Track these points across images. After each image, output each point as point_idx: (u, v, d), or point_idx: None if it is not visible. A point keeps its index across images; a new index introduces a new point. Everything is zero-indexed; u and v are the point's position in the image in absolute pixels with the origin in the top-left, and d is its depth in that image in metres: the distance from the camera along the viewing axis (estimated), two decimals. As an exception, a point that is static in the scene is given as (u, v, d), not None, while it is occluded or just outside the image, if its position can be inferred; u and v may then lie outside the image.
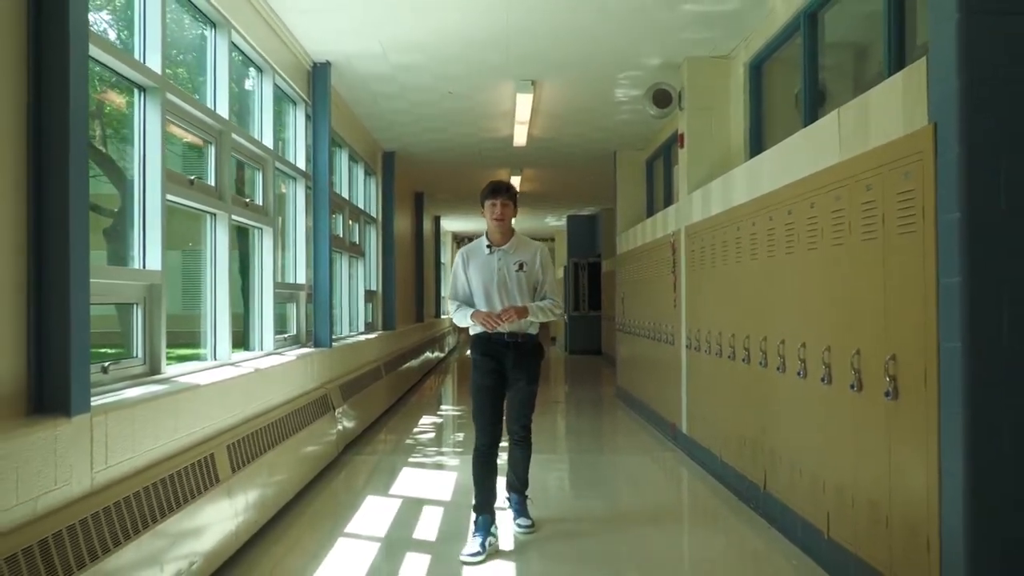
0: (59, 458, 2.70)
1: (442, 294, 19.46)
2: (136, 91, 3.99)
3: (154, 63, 4.03)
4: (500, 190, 4.54)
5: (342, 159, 8.86)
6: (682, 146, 7.10)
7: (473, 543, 4.26)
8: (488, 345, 4.55)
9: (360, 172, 10.04)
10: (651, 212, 10.27)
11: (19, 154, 2.75)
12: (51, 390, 2.80)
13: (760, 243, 4.97)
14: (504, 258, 4.56)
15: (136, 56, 3.96)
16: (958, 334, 2.85)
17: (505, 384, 4.55)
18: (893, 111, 3.33)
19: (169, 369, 4.13)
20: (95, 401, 3.07)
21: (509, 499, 4.77)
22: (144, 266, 3.96)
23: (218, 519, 3.90)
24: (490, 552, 4.25)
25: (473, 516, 4.46)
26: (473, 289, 4.59)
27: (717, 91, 6.90)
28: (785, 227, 4.54)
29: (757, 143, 6.43)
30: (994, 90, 2.84)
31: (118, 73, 3.78)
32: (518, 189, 15.89)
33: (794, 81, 5.61)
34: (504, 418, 4.60)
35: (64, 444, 2.73)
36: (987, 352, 2.81)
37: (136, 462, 3.24)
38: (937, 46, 2.97)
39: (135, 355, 3.90)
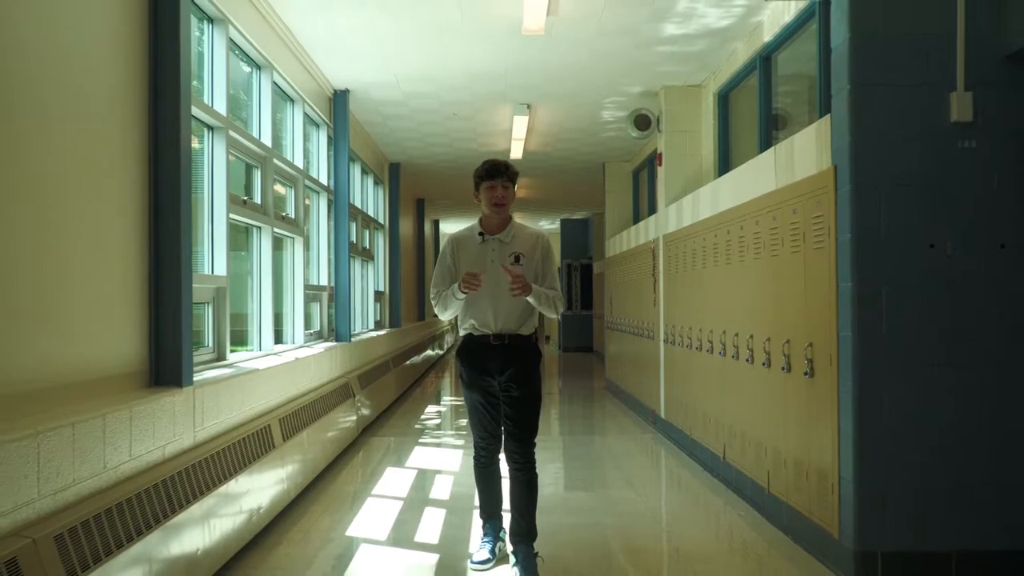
0: (176, 418, 3.62)
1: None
2: (206, 130, 4.90)
3: (220, 107, 4.94)
4: (499, 171, 3.94)
5: (355, 172, 9.77)
6: (660, 164, 8.03)
7: (482, 550, 4.09)
8: (473, 349, 3.99)
9: (370, 183, 10.96)
10: (637, 218, 11.20)
11: (143, 191, 3.66)
12: (167, 368, 3.71)
13: (720, 252, 5.91)
14: (499, 248, 3.96)
15: (206, 100, 4.87)
16: (849, 326, 3.79)
17: (497, 388, 4.00)
18: (810, 153, 4.27)
19: (230, 356, 5.04)
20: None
21: (514, 554, 3.98)
22: (213, 272, 4.87)
23: (275, 479, 4.81)
24: (500, 557, 4.11)
25: (480, 522, 4.29)
26: None
27: (690, 116, 7.84)
28: (738, 239, 5.47)
29: (725, 162, 7.36)
30: (876, 142, 3.77)
31: (194, 117, 4.69)
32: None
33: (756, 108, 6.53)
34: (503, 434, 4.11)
35: (179, 408, 3.65)
36: (869, 339, 3.75)
37: (220, 427, 4.16)
38: (836, 107, 3.91)
39: (206, 344, 4.81)
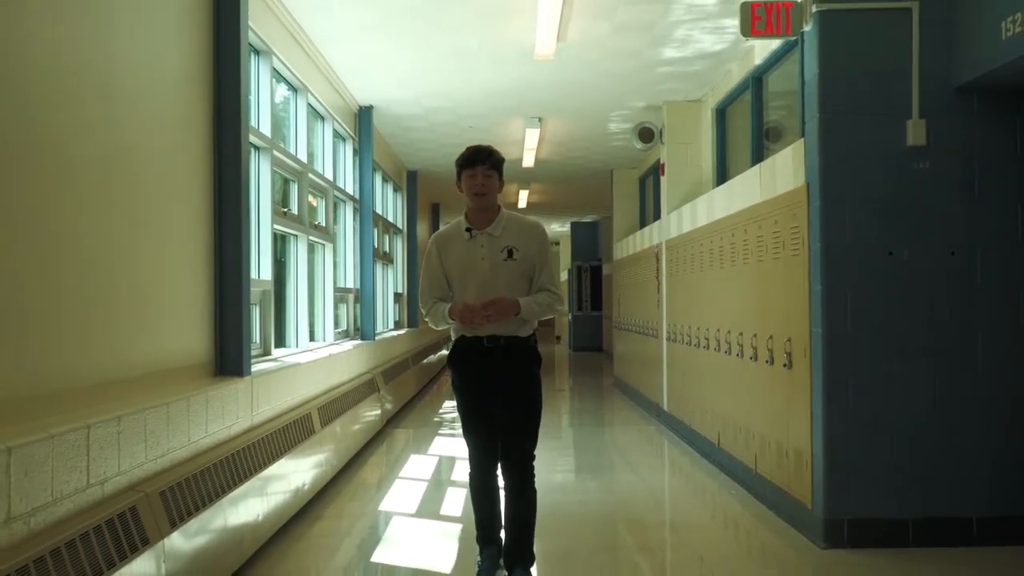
0: (239, 402, 4.22)
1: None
2: (253, 150, 5.51)
3: (265, 129, 5.55)
4: (480, 157, 3.60)
5: (376, 180, 10.38)
6: (663, 174, 8.60)
7: None
8: (465, 353, 3.68)
9: (389, 190, 11.58)
10: (643, 223, 11.75)
11: (209, 208, 4.27)
12: (230, 360, 4.31)
13: (715, 257, 6.47)
14: (489, 243, 3.61)
15: (253, 124, 5.48)
16: (820, 322, 4.36)
17: (493, 397, 3.68)
18: (788, 171, 4.83)
19: (274, 351, 5.65)
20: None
21: None
22: (259, 277, 5.48)
23: (315, 461, 5.40)
24: None
25: (477, 548, 3.88)
26: (454, 286, 3.68)
27: (691, 129, 8.40)
28: (730, 246, 6.04)
29: (723, 172, 7.91)
30: (842, 163, 4.33)
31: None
32: (526, 202, 17.16)
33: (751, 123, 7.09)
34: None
35: (240, 394, 4.25)
36: (836, 336, 4.31)
37: (272, 411, 4.77)
38: (808, 133, 4.48)
39: (255, 341, 5.42)
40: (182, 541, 3.23)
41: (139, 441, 3.09)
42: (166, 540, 3.05)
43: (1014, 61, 3.80)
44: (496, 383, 3.65)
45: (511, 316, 3.54)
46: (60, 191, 2.88)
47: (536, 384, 3.72)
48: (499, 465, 3.74)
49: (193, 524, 3.33)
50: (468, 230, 3.63)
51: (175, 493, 3.23)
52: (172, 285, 3.82)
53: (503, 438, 3.70)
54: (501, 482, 3.80)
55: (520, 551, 3.67)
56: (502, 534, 3.84)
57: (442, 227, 3.67)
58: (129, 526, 2.83)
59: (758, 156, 6.67)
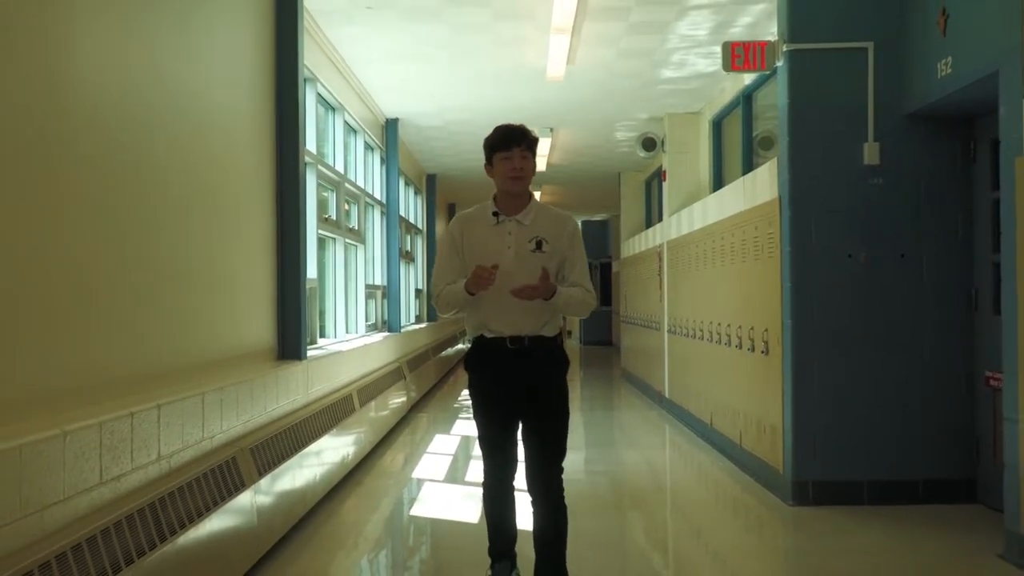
0: (298, 381, 5.03)
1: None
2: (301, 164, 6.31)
3: (311, 147, 6.35)
4: (516, 137, 3.27)
5: (400, 185, 11.18)
6: (664, 180, 9.36)
7: None
8: (485, 354, 3.38)
9: (411, 193, 12.38)
10: (649, 223, 12.52)
11: (273, 218, 5.07)
12: (290, 346, 5.12)
13: (708, 257, 7.24)
14: (518, 231, 3.31)
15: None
16: (790, 315, 5.12)
17: (515, 406, 3.34)
18: (766, 184, 5.59)
19: (320, 341, 6.47)
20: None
21: None
22: (307, 275, 6.28)
23: (355, 437, 6.21)
24: None
25: (489, 562, 3.52)
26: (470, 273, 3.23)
27: (690, 139, 9.16)
28: (720, 248, 6.81)
29: (719, 179, 8.66)
30: (808, 179, 5.09)
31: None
32: (537, 199, 17.68)
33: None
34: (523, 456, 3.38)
35: (299, 374, 5.06)
36: (803, 326, 5.08)
37: (322, 391, 5.57)
38: (780, 152, 5.24)
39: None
40: (266, 489, 4.03)
41: (233, 407, 3.90)
42: (255, 486, 3.86)
43: (947, 96, 4.55)
44: (519, 390, 3.31)
45: (547, 297, 3.20)
46: (176, 212, 3.68)
47: (564, 393, 3.40)
48: (515, 469, 3.43)
49: (272, 477, 4.14)
50: (495, 214, 3.35)
51: (260, 450, 4.04)
52: (249, 284, 4.63)
53: (530, 454, 3.34)
54: (517, 484, 3.47)
55: (554, 572, 3.33)
56: (518, 541, 3.56)
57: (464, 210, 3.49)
58: (232, 471, 3.64)
59: (748, 165, 7.42)
